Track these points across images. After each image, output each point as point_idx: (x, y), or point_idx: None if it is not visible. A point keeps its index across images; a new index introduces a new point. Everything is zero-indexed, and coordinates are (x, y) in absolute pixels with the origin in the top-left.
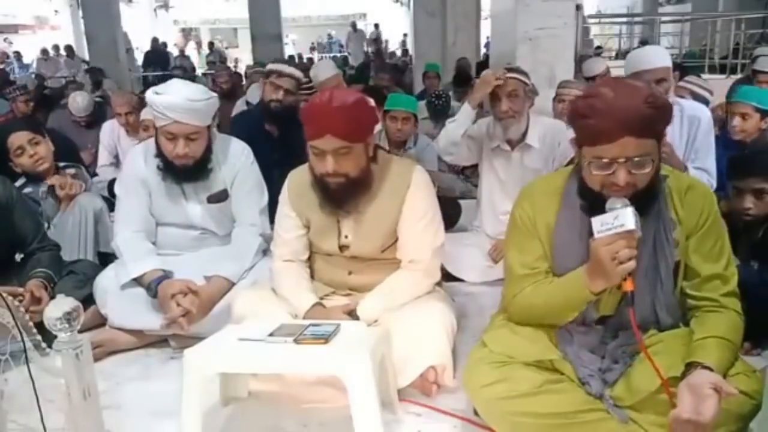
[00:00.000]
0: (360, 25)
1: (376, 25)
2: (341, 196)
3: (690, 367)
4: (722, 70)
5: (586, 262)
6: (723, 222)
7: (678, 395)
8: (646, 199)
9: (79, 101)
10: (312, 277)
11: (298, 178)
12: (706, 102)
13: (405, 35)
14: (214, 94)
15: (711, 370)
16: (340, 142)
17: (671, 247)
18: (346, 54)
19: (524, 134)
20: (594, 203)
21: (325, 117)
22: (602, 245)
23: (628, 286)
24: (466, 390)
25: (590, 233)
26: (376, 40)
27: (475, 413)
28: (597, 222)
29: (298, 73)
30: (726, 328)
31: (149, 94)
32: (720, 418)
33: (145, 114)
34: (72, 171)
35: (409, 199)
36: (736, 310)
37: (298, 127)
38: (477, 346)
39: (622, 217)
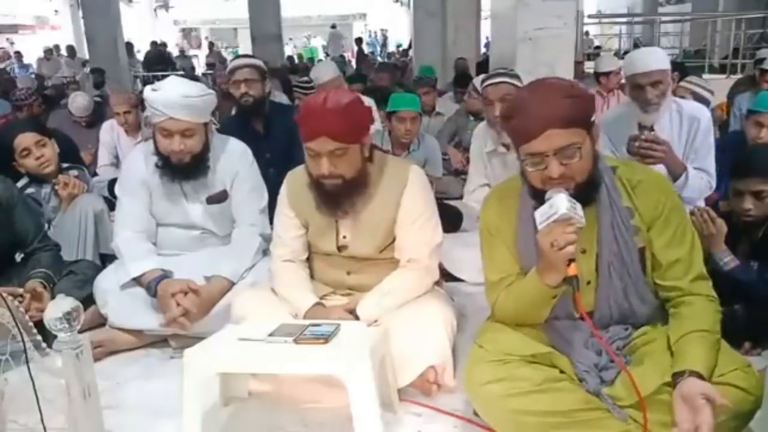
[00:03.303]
0: (359, 26)
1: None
2: (338, 197)
3: (678, 375)
4: (722, 70)
5: None
6: (682, 207)
7: (674, 408)
8: (590, 189)
9: (79, 101)
10: (311, 276)
11: (296, 179)
12: (707, 103)
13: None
14: (211, 91)
15: (699, 373)
16: (335, 143)
17: (631, 234)
18: (344, 54)
19: None
20: (542, 202)
21: (320, 118)
22: (542, 235)
23: (571, 271)
24: (466, 389)
25: None
26: (359, 40)
27: (475, 413)
28: (537, 215)
29: (255, 61)
30: (700, 319)
31: (146, 91)
32: (720, 415)
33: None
34: (75, 173)
35: (406, 198)
36: (707, 294)
37: (279, 120)
38: (473, 349)
39: (555, 204)
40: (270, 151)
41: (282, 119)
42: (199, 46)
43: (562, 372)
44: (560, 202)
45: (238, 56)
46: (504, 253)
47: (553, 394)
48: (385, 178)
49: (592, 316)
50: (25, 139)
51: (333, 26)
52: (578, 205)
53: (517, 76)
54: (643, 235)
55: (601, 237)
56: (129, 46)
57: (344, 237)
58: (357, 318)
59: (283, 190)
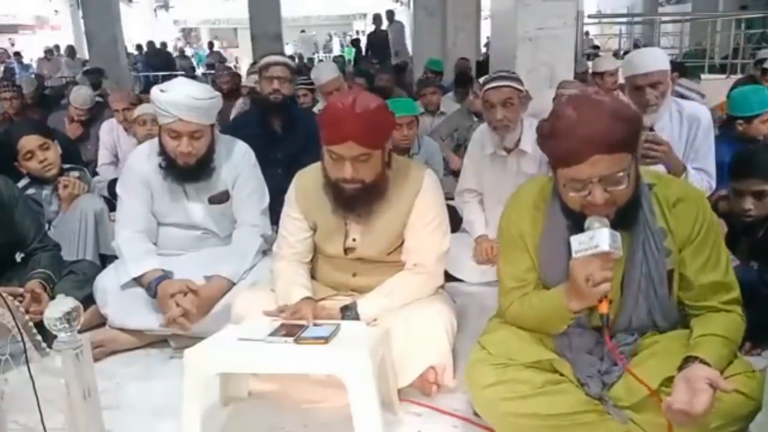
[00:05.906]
0: (359, 26)
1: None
2: (355, 201)
3: (687, 361)
4: (722, 70)
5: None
6: (718, 227)
7: (674, 387)
8: (629, 213)
9: (82, 92)
10: (315, 278)
11: (306, 180)
12: None
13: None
14: (218, 93)
15: (708, 365)
16: (360, 149)
17: (662, 256)
18: (343, 54)
19: (518, 140)
20: (577, 222)
21: (348, 123)
22: (577, 266)
23: (603, 308)
24: (468, 389)
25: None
26: (356, 41)
27: (475, 414)
28: (575, 242)
29: (288, 60)
30: (725, 327)
31: (154, 92)
32: (718, 418)
33: (141, 110)
34: (76, 174)
35: (419, 203)
36: (738, 313)
37: (300, 123)
38: (475, 348)
39: (597, 238)
40: (282, 151)
41: (303, 123)
42: (198, 46)
43: (562, 375)
44: (603, 238)
45: (271, 53)
46: (524, 260)
47: (552, 396)
48: (400, 182)
49: (610, 329)
50: (29, 142)
51: (302, 31)
52: (618, 237)
53: (518, 79)
54: (674, 257)
55: (632, 258)
56: None
57: (353, 240)
58: (351, 318)
59: (291, 191)
